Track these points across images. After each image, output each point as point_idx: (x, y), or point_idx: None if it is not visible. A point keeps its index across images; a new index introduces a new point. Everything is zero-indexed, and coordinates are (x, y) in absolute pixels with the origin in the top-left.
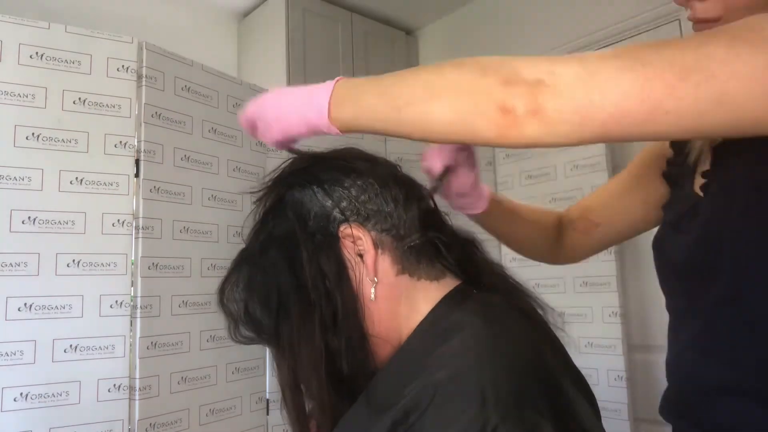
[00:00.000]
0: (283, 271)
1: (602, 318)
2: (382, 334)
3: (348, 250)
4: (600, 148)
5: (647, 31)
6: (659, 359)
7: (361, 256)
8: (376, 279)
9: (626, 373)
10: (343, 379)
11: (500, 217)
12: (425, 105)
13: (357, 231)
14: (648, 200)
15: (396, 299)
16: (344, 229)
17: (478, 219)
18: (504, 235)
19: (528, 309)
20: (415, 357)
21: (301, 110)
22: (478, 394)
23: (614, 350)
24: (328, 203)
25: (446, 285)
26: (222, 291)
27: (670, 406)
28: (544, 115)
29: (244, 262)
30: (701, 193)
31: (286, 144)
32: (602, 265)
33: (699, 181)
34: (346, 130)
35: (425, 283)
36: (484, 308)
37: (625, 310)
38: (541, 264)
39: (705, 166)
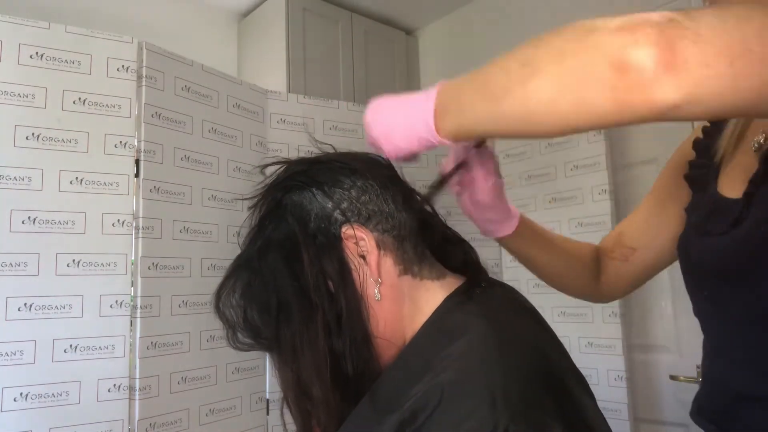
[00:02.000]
0: (283, 274)
1: (602, 318)
2: (386, 335)
3: (350, 252)
4: (600, 148)
5: None
6: (659, 359)
7: (363, 257)
8: (380, 280)
9: (626, 373)
10: (348, 382)
11: (532, 242)
12: (523, 86)
13: (359, 232)
14: (684, 211)
15: (399, 300)
16: (346, 230)
17: (506, 243)
18: (536, 262)
19: (530, 308)
20: (421, 358)
21: (408, 125)
22: (487, 395)
23: (614, 350)
24: (329, 205)
25: (448, 285)
26: (218, 297)
27: (700, 410)
28: (685, 68)
29: (241, 267)
30: (731, 195)
31: (406, 159)
32: None
33: (728, 182)
34: (458, 140)
35: (427, 283)
36: (487, 308)
37: (625, 310)
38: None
39: (742, 169)
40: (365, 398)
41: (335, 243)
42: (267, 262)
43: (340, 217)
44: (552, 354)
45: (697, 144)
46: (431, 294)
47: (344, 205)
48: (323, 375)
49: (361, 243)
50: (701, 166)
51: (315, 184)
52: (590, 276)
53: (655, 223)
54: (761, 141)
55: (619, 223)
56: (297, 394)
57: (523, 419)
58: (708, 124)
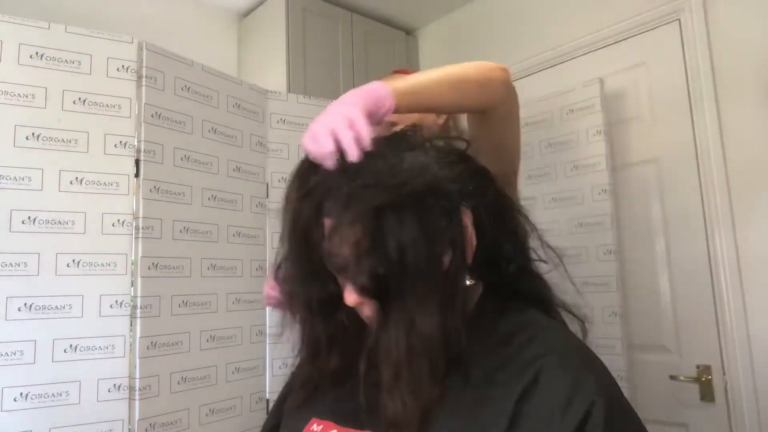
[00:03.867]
0: (412, 231)
1: (602, 318)
2: None
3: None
4: (600, 149)
5: (647, 31)
6: (659, 359)
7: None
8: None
9: (626, 373)
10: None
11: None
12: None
13: (467, 218)
14: None
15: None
16: (463, 212)
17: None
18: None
19: None
20: (497, 339)
21: (358, 94)
22: (589, 367)
23: (614, 350)
24: (449, 181)
25: (478, 289)
26: (336, 232)
27: None
28: None
29: (371, 211)
30: None
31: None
32: (602, 265)
33: None
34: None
35: (471, 284)
36: (533, 308)
37: (625, 310)
38: (541, 264)
39: None
40: (455, 378)
41: (459, 222)
42: (406, 211)
43: (457, 198)
44: None
45: None
46: (474, 294)
47: (457, 187)
48: (437, 347)
49: (465, 230)
50: None
51: (454, 164)
52: None
53: None
54: None
55: None
56: (414, 357)
57: (618, 397)
58: None
